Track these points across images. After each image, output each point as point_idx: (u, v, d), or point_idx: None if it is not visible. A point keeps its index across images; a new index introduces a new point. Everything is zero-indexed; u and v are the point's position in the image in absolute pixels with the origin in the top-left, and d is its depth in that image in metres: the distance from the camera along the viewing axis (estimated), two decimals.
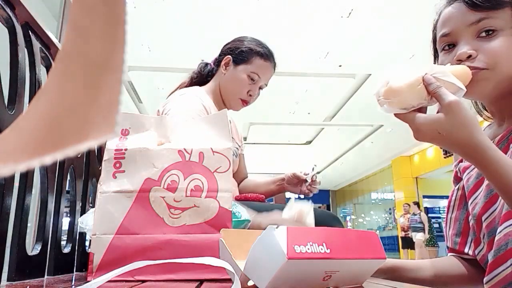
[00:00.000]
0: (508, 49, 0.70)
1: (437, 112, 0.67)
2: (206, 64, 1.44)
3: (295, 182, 1.37)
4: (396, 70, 0.69)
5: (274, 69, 1.41)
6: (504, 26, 0.70)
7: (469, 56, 0.72)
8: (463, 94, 0.67)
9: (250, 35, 1.42)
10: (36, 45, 0.85)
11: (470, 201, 0.83)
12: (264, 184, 1.47)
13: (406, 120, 0.68)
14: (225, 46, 1.41)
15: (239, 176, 1.52)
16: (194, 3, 4.52)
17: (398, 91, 0.66)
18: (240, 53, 1.34)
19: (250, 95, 1.36)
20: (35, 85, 0.82)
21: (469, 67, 0.70)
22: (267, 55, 1.35)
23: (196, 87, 1.36)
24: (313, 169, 1.35)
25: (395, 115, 0.69)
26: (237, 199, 1.26)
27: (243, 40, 1.37)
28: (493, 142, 0.78)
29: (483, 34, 0.71)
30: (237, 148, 1.44)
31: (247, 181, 1.54)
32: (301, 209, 0.96)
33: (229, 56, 1.35)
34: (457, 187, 0.91)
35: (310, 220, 0.96)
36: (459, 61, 0.72)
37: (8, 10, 0.74)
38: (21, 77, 0.75)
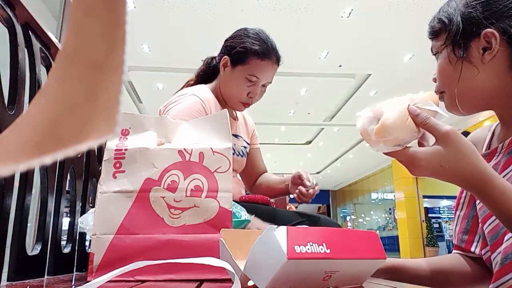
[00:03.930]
0: (441, 68, 0.80)
1: (419, 144, 0.67)
2: (212, 58, 1.38)
3: (299, 182, 1.30)
4: (375, 105, 0.66)
5: (278, 64, 1.31)
6: (440, 48, 0.80)
7: (435, 80, 0.82)
8: (443, 119, 0.66)
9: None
10: (36, 45, 0.85)
11: (477, 201, 0.83)
12: (275, 183, 1.44)
13: (402, 157, 0.65)
14: (225, 41, 1.33)
15: (255, 172, 1.48)
16: (194, 3, 4.52)
17: (392, 128, 0.62)
18: (236, 53, 1.27)
19: (251, 97, 1.30)
20: (35, 85, 0.82)
21: (435, 90, 0.81)
22: (264, 53, 1.25)
23: (200, 86, 1.33)
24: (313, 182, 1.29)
25: (387, 153, 0.66)
26: (243, 199, 1.26)
27: (241, 37, 1.29)
28: (502, 145, 0.79)
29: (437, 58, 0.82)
30: (244, 147, 1.40)
31: (262, 177, 1.50)
32: None
33: (227, 56, 1.29)
34: None
35: None
36: None
37: (8, 10, 0.74)
38: (21, 77, 0.75)
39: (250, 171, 1.48)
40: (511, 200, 0.60)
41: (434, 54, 0.83)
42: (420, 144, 0.68)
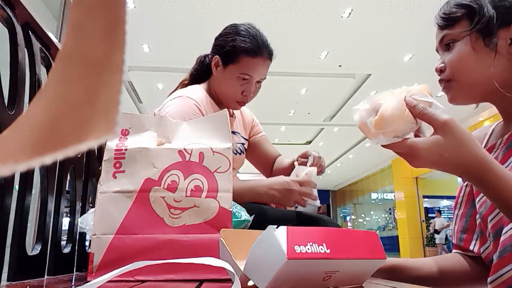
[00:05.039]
0: (462, 56, 0.77)
1: (415, 135, 0.66)
2: (205, 56, 1.36)
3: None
4: (371, 97, 0.65)
5: (271, 59, 1.27)
6: (460, 36, 0.77)
7: (441, 70, 0.80)
8: (439, 110, 0.66)
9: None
10: (36, 45, 0.85)
11: (477, 200, 0.83)
12: (288, 166, 1.39)
13: (401, 149, 0.64)
14: (215, 40, 1.30)
15: (269, 159, 1.46)
16: (194, 3, 4.52)
17: (391, 118, 0.62)
18: (226, 53, 1.23)
19: (245, 95, 1.27)
20: (35, 85, 0.82)
21: (440, 79, 0.81)
22: (254, 51, 1.21)
23: (194, 87, 1.32)
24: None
25: (386, 146, 0.65)
26: None
27: (230, 35, 1.25)
28: (501, 140, 0.79)
29: (448, 47, 0.80)
30: (242, 143, 1.39)
31: (277, 162, 1.47)
32: (308, 171, 1.16)
33: (217, 56, 1.26)
34: (465, 183, 0.90)
35: (315, 179, 1.17)
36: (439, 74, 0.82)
37: (8, 10, 0.74)
38: (21, 77, 0.75)
39: (265, 160, 1.47)
40: (511, 187, 0.60)
41: (447, 43, 0.80)
42: (417, 136, 0.67)
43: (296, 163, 1.27)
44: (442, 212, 11.60)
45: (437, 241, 9.93)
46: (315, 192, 1.16)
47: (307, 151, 1.30)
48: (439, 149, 0.61)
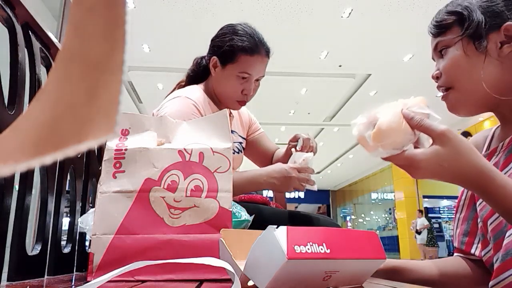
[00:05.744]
0: (455, 60, 0.78)
1: (414, 147, 0.66)
2: (202, 58, 1.36)
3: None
4: (367, 110, 0.66)
5: (268, 56, 1.28)
6: (452, 41, 0.79)
7: (437, 77, 0.82)
8: (437, 122, 0.66)
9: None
10: (36, 45, 0.85)
11: (478, 203, 0.83)
12: (283, 155, 1.41)
13: (401, 161, 0.64)
14: (212, 41, 1.30)
15: (268, 154, 1.47)
16: (194, 3, 4.52)
17: (388, 131, 0.62)
18: (224, 53, 1.24)
19: (245, 94, 1.27)
20: (35, 85, 0.82)
21: (438, 86, 0.82)
22: (252, 49, 1.22)
23: (192, 87, 1.31)
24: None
25: (386, 158, 0.65)
26: (242, 199, 1.26)
27: (227, 35, 1.25)
28: (502, 144, 0.79)
29: (441, 54, 0.82)
30: (240, 142, 1.40)
31: (274, 156, 1.49)
32: (306, 157, 1.19)
33: (215, 57, 1.26)
34: None
35: (312, 165, 1.19)
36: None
37: (8, 10, 0.74)
38: (21, 77, 0.75)
39: (264, 156, 1.48)
40: (511, 194, 0.60)
41: (440, 50, 0.81)
42: (416, 148, 0.67)
43: (293, 150, 1.27)
44: (442, 212, 11.61)
45: (418, 242, 9.60)
46: (313, 178, 1.19)
47: (296, 134, 1.31)
48: (438, 159, 0.61)
